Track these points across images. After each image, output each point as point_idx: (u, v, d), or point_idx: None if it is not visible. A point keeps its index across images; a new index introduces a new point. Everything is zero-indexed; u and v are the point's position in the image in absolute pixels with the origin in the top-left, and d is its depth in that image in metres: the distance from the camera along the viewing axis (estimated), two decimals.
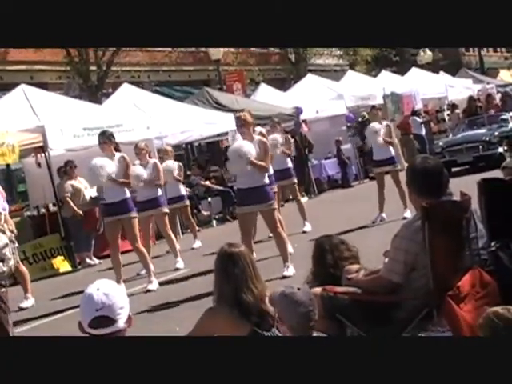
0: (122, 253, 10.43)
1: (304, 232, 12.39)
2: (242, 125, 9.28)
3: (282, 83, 29.06)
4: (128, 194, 10.05)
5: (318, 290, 3.99)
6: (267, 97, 21.64)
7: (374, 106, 14.31)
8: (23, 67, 21.93)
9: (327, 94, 22.48)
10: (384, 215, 12.13)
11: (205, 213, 17.44)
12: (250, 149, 8.86)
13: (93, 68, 21.38)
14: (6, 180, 18.54)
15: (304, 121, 20.63)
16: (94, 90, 21.00)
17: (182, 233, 15.20)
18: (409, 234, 4.12)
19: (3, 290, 8.16)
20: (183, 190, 13.61)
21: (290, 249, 9.62)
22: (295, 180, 12.99)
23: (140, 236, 10.34)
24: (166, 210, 11.72)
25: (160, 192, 11.71)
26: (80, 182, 14.10)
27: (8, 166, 15.87)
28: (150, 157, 11.93)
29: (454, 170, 16.99)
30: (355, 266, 4.20)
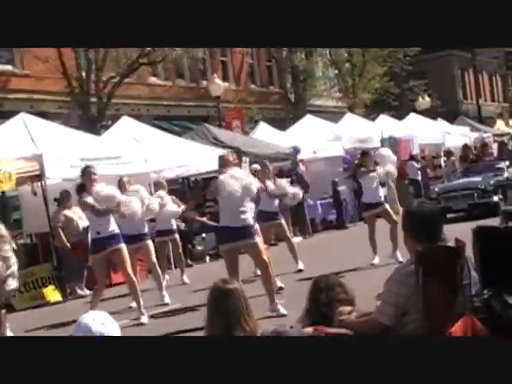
0: (115, 285, 10.42)
1: (300, 271, 12.40)
2: (223, 164, 9.33)
3: (281, 123, 29.22)
4: (117, 229, 10.01)
5: (309, 329, 3.98)
6: (266, 135, 21.76)
7: (364, 151, 14.41)
8: (24, 96, 22.02)
9: (325, 135, 22.61)
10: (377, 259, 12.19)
11: (199, 248, 17.41)
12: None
13: (93, 99, 21.48)
14: (0, 207, 18.50)
15: (301, 160, 20.71)
16: (94, 122, 21.06)
17: (175, 267, 15.15)
18: (402, 278, 4.12)
19: (3, 311, 8.22)
20: (174, 224, 13.59)
21: (279, 283, 9.75)
22: (283, 221, 12.99)
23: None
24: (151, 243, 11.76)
25: (146, 226, 11.72)
26: (74, 212, 14.08)
27: (3, 193, 15.84)
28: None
29: (448, 216, 17.04)
30: (348, 308, 4.19)
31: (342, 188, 21.73)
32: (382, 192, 12.92)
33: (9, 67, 22.73)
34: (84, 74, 21.27)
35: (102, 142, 16.16)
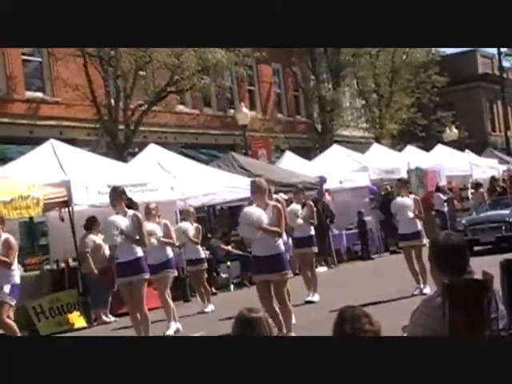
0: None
1: (310, 302, 12.36)
2: (256, 191, 9.22)
3: (307, 152, 29.28)
4: (141, 253, 9.83)
5: None
6: (292, 164, 21.79)
7: (400, 179, 14.36)
8: (53, 123, 22.30)
9: (351, 165, 22.60)
10: (422, 287, 12.03)
11: (223, 276, 17.41)
12: (260, 215, 8.70)
13: (121, 127, 21.69)
14: (28, 232, 18.66)
15: (327, 190, 20.69)
16: (121, 149, 21.24)
17: (191, 295, 15.18)
18: (428, 310, 4.09)
19: None
20: (202, 253, 13.62)
21: (293, 320, 9.51)
22: (315, 249, 12.97)
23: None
24: (172, 273, 11.37)
25: (171, 254, 11.43)
26: (101, 238, 14.16)
27: (31, 218, 15.97)
28: (159, 218, 11.60)
29: (476, 248, 16.89)
30: None
31: (367, 218, 21.65)
32: (419, 224, 12.67)
33: (39, 94, 23.04)
34: (113, 101, 21.49)
35: (129, 168, 16.27)
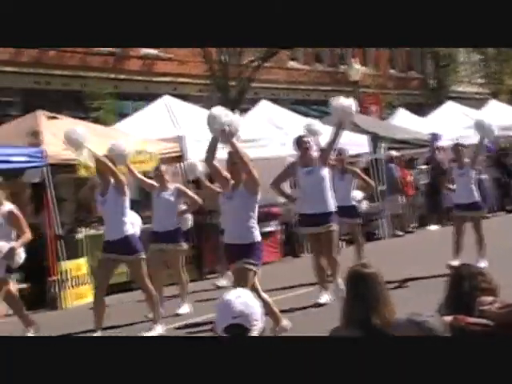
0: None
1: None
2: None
3: (419, 108, 28.63)
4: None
5: (449, 318, 3.88)
6: (405, 121, 21.36)
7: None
8: (168, 79, 22.66)
9: (466, 122, 21.92)
10: None
11: None
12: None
13: (233, 83, 21.81)
14: (141, 187, 19.12)
15: (441, 148, 20.19)
16: (233, 105, 21.38)
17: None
18: None
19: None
20: None
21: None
22: (359, 221, 11.98)
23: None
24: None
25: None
26: None
27: (145, 173, 16.35)
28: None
29: None
30: (489, 298, 4.06)
31: (483, 176, 21.02)
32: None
33: (154, 51, 23.41)
34: (224, 57, 21.61)
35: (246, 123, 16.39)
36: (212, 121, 7.39)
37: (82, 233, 12.70)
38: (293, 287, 10.97)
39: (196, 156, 14.16)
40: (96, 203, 8.86)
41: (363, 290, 3.65)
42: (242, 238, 7.35)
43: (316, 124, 10.72)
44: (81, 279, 12.53)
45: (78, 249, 12.43)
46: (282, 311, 8.21)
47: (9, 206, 8.55)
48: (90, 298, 12.55)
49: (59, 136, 12.75)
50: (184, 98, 18.52)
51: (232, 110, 7.37)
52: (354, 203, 11.75)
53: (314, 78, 28.35)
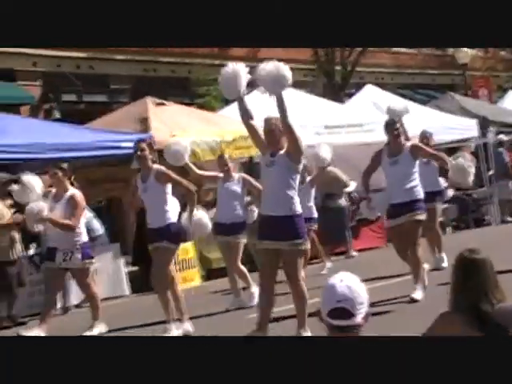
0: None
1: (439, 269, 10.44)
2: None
3: None
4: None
5: None
6: None
7: None
8: None
9: None
10: None
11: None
12: None
13: (338, 68, 21.69)
14: (247, 173, 19.31)
15: None
16: (338, 90, 21.30)
17: None
18: None
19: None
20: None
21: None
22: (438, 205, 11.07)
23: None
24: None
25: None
26: None
27: (251, 158, 16.52)
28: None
29: None
30: None
31: None
32: None
33: None
34: None
35: (346, 109, 16.29)
36: (277, 79, 7.18)
37: None
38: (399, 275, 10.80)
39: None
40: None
41: (472, 276, 3.59)
42: (283, 208, 6.86)
43: (399, 104, 10.25)
44: (188, 263, 12.82)
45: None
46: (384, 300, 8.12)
47: (72, 191, 8.74)
48: (196, 282, 12.90)
49: (166, 122, 13.11)
50: None
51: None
52: (442, 187, 11.13)
53: (420, 61, 27.84)
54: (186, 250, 12.59)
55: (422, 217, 8.71)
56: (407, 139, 9.22)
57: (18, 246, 10.91)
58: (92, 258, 8.93)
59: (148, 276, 8.72)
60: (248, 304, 9.57)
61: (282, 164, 6.92)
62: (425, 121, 16.67)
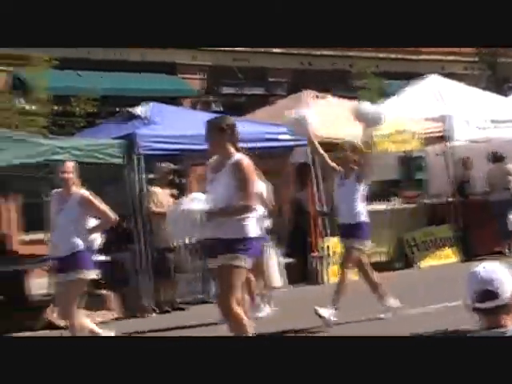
0: None
1: None
2: None
3: None
4: None
5: None
6: None
7: None
8: (436, 57, 22.32)
9: None
10: None
11: None
12: None
13: (502, 60, 21.03)
14: (403, 166, 18.98)
15: None
16: (501, 83, 20.64)
17: None
18: None
19: None
20: None
21: None
22: None
23: None
24: None
25: None
26: None
27: (405, 152, 16.27)
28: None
29: None
30: None
31: None
32: None
33: None
34: None
35: (510, 103, 15.73)
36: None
37: None
38: None
39: (463, 136, 13.84)
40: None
41: None
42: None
43: None
44: (340, 257, 12.72)
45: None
46: None
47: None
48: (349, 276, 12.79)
49: (323, 115, 13.11)
50: (450, 76, 18.13)
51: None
52: None
53: None
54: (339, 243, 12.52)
55: None
56: None
57: None
58: None
59: None
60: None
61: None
62: None
